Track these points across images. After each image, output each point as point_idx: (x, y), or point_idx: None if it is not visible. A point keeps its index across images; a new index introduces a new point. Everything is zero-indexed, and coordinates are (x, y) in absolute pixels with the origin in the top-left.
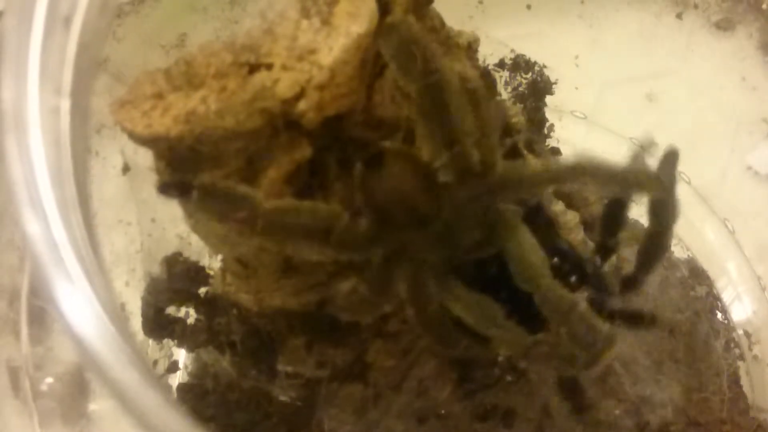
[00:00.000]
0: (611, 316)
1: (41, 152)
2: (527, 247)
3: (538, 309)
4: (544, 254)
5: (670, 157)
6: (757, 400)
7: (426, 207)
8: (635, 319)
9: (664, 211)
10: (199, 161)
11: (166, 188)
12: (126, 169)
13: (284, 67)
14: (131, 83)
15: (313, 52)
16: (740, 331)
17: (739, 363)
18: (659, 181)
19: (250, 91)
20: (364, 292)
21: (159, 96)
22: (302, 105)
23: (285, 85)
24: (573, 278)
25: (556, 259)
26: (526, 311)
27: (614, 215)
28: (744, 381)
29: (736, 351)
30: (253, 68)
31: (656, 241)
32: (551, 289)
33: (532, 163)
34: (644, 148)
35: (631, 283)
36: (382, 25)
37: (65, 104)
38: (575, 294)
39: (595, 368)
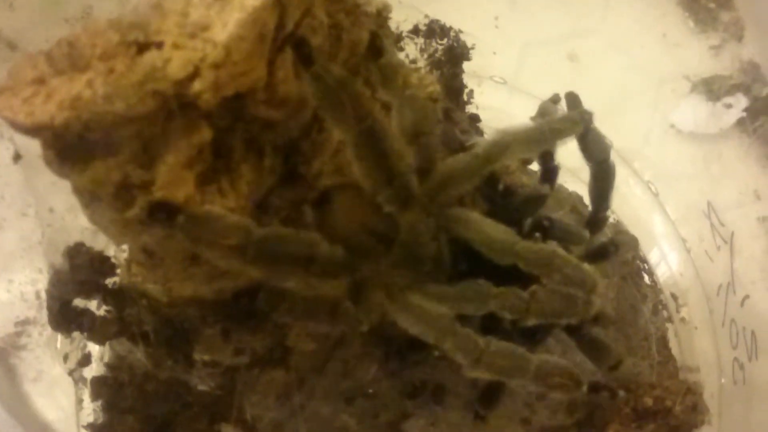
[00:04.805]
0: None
1: None
2: (488, 228)
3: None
4: (505, 226)
5: (572, 98)
6: (686, 361)
7: (384, 228)
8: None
9: (593, 143)
10: (90, 150)
11: (152, 213)
12: (17, 157)
13: (175, 46)
14: (10, 68)
15: (205, 28)
16: (667, 293)
17: (668, 325)
18: (577, 119)
19: (140, 73)
20: (350, 309)
21: (41, 81)
22: (197, 85)
23: (177, 64)
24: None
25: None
26: (512, 280)
27: (547, 164)
28: (672, 343)
29: (664, 314)
30: (142, 48)
31: (602, 172)
32: (529, 249)
33: (459, 157)
34: (553, 101)
35: (596, 223)
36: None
37: None
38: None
39: (594, 307)
